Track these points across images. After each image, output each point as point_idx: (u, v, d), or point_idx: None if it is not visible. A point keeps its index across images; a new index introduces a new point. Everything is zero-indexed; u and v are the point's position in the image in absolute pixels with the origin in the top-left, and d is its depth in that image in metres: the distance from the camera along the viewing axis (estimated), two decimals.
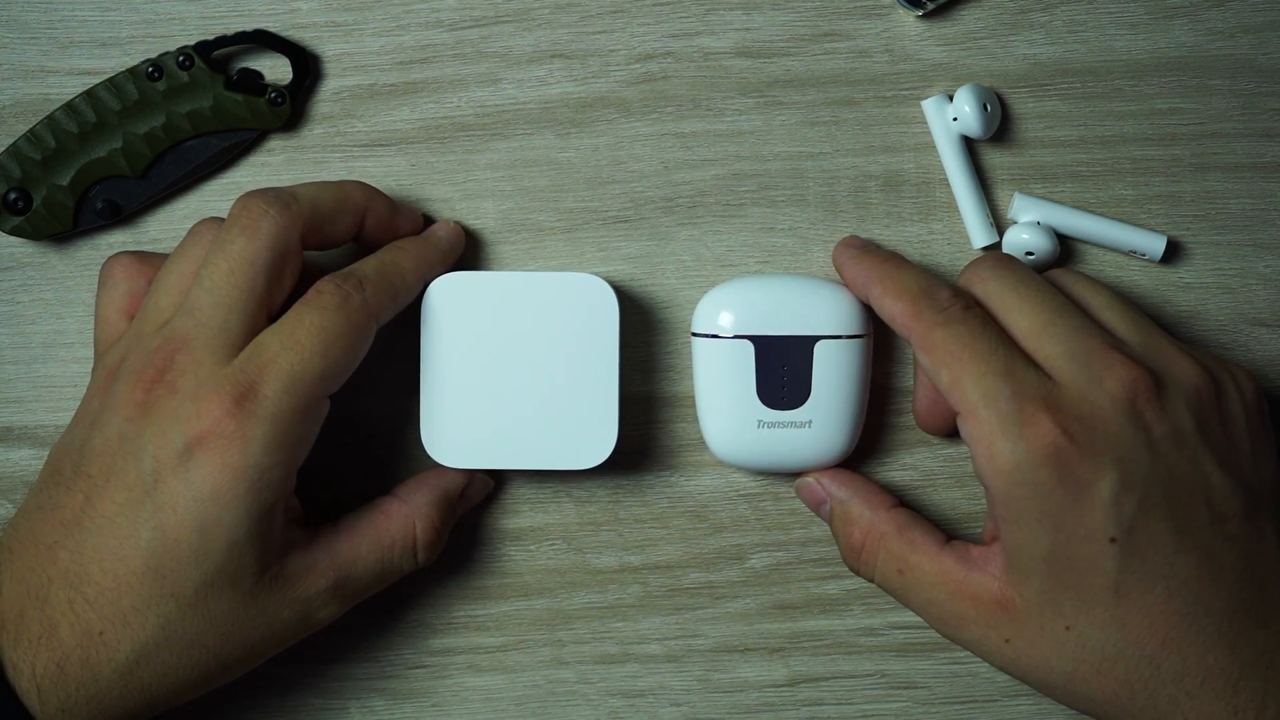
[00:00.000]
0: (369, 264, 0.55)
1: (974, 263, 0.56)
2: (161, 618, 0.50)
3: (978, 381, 0.52)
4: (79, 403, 0.55)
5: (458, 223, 0.60)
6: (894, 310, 0.55)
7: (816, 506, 0.59)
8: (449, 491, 0.58)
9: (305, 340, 0.52)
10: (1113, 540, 0.51)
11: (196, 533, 0.50)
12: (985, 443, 0.52)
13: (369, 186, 0.57)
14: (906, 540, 0.56)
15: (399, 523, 0.56)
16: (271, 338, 0.52)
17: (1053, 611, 0.52)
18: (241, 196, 0.54)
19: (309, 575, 0.53)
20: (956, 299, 0.54)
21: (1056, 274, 0.58)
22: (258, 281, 0.52)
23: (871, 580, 0.57)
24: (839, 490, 0.58)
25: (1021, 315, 0.54)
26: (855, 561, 0.57)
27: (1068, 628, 0.52)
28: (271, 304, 0.53)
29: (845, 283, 0.58)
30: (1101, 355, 0.52)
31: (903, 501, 0.58)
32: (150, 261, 0.56)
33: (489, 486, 0.60)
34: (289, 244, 0.53)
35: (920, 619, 0.56)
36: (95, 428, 0.52)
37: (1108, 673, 0.51)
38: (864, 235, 0.60)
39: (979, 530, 0.60)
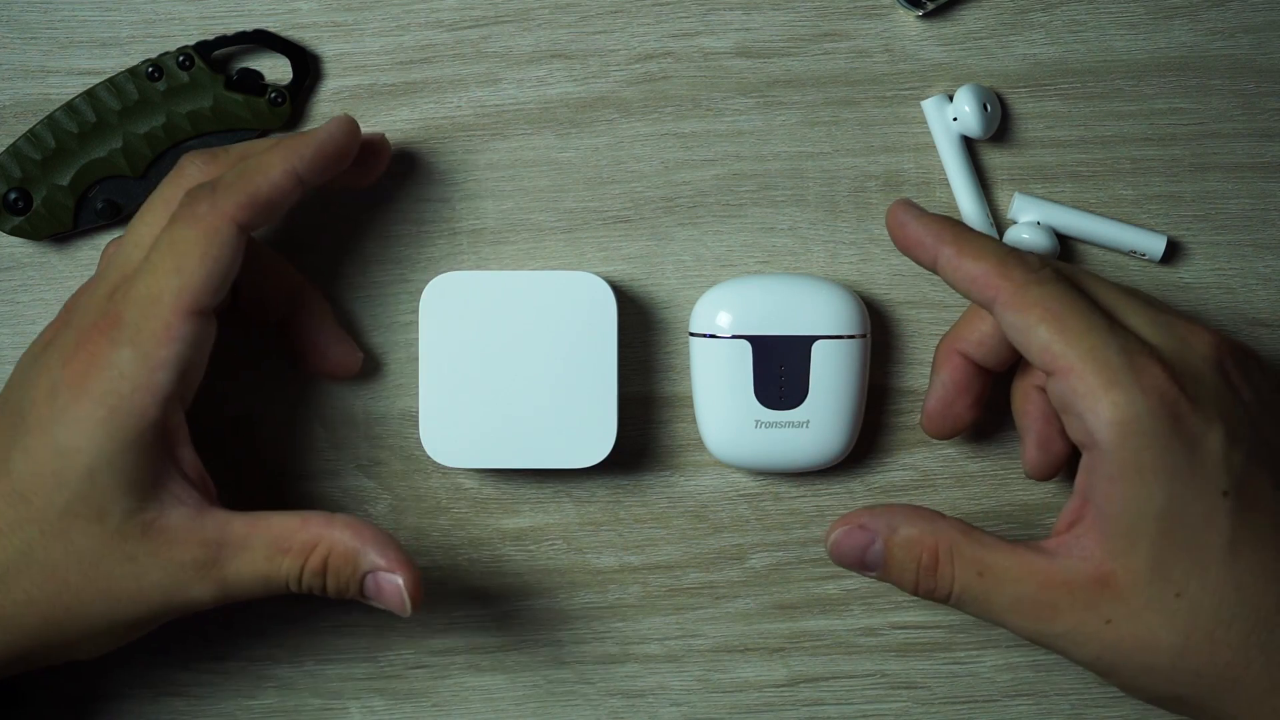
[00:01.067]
0: (223, 166, 0.55)
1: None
2: (23, 541, 0.50)
3: (1083, 336, 0.51)
4: None
5: (350, 116, 0.56)
6: (975, 270, 0.52)
7: (862, 554, 0.54)
8: (363, 554, 0.52)
9: (158, 259, 0.51)
10: (1225, 494, 0.50)
11: (55, 455, 0.50)
12: (1093, 395, 0.50)
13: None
14: (977, 541, 0.53)
15: (307, 535, 0.52)
16: (135, 260, 0.53)
17: (1162, 578, 0.50)
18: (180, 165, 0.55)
19: (186, 538, 0.51)
20: (1046, 263, 0.53)
21: None
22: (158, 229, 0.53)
23: (948, 598, 0.53)
24: (883, 520, 0.54)
25: (1098, 289, 0.53)
26: (931, 581, 0.53)
27: (1178, 594, 0.50)
28: None
29: (898, 242, 0.55)
30: (1183, 323, 0.53)
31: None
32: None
33: (403, 608, 0.52)
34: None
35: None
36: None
37: (1221, 640, 0.50)
38: (864, 235, 0.60)
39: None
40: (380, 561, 0.52)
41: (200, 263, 0.51)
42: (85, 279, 0.60)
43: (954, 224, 0.54)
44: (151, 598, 0.51)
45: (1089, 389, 0.50)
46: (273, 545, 0.52)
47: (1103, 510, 0.51)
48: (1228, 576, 0.50)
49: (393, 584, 0.52)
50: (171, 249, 0.51)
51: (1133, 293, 0.54)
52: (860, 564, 0.55)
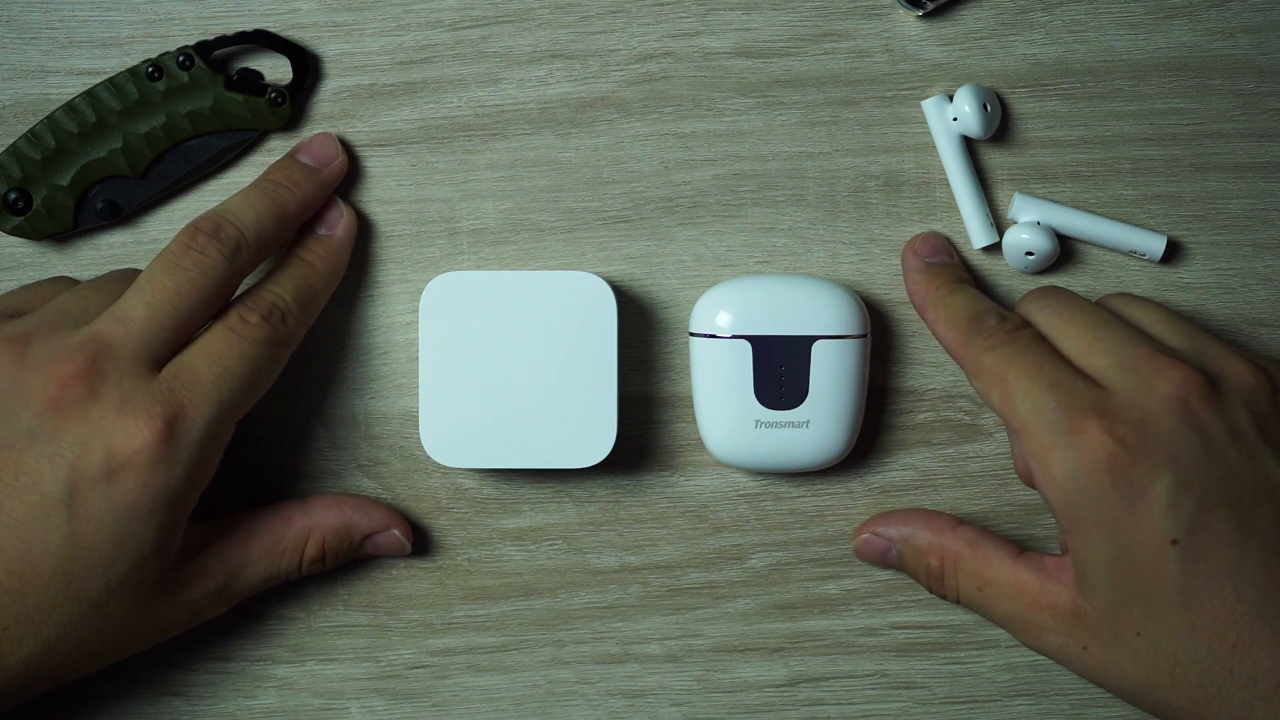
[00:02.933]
0: (287, 290, 0.56)
1: (1022, 299, 0.58)
2: (65, 617, 0.51)
3: (1025, 398, 0.52)
4: None
5: (350, 207, 0.59)
6: (946, 339, 0.56)
7: (882, 558, 0.59)
8: (354, 526, 0.58)
9: (235, 369, 0.53)
10: (1174, 542, 0.51)
11: (110, 545, 0.51)
12: (1039, 456, 0.52)
13: (296, 187, 0.58)
14: (980, 556, 0.56)
15: (295, 531, 0.57)
16: (199, 361, 0.53)
17: (1123, 619, 0.52)
18: (196, 230, 0.55)
19: (200, 579, 0.55)
20: (1003, 323, 0.55)
21: (1107, 298, 0.58)
22: (197, 312, 0.54)
23: (958, 603, 0.57)
24: (898, 530, 0.58)
25: (1068, 337, 0.55)
26: (939, 588, 0.57)
27: (1139, 634, 0.52)
28: (195, 329, 0.55)
29: (908, 294, 0.59)
30: (1151, 361, 0.52)
31: (963, 520, 0.58)
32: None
33: (404, 549, 0.59)
34: (232, 286, 0.55)
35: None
36: None
37: (1181, 677, 0.51)
38: (864, 235, 0.60)
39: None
40: (371, 525, 0.58)
41: (266, 382, 0.55)
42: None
43: (939, 285, 0.57)
44: (171, 631, 0.56)
45: (1032, 451, 0.52)
46: (268, 553, 0.57)
47: (1070, 553, 0.53)
48: (1183, 620, 0.51)
49: (389, 538, 0.59)
50: (249, 364, 0.54)
51: (1111, 326, 0.55)
52: (884, 565, 0.60)
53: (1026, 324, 0.55)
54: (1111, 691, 0.54)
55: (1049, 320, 0.56)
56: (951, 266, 0.59)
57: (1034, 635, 0.54)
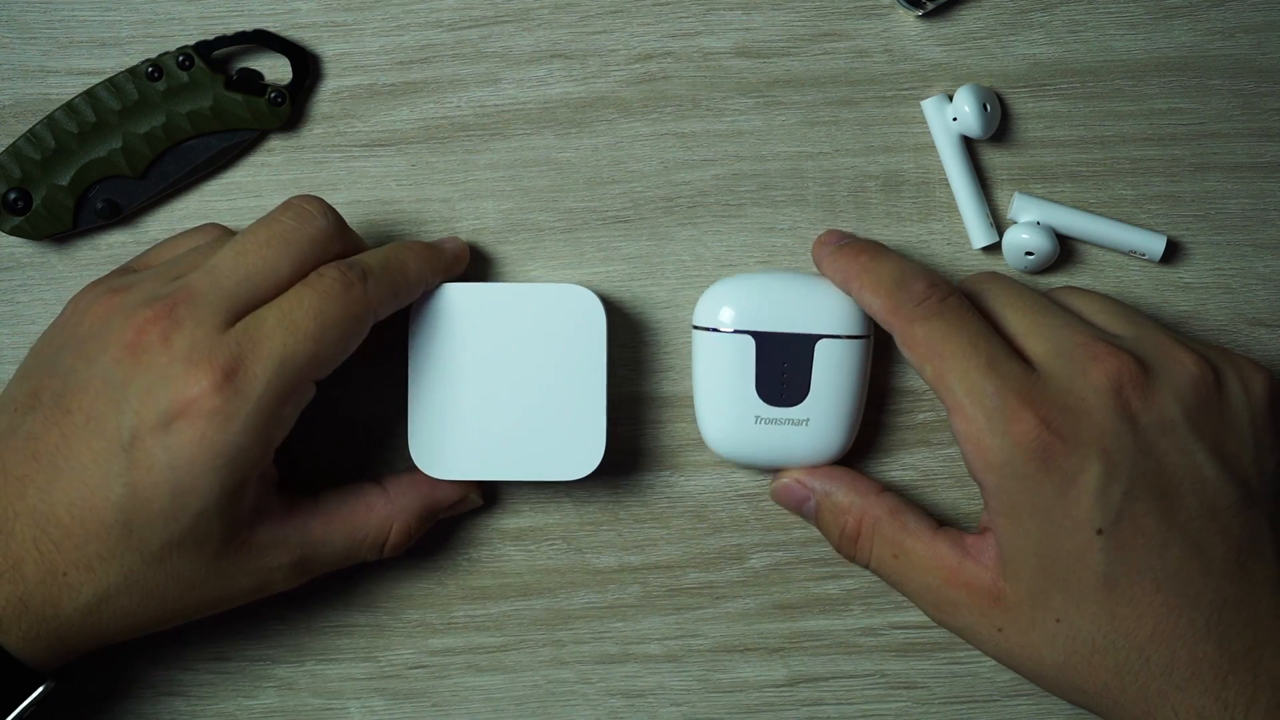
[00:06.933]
0: (375, 256, 0.55)
1: (964, 279, 0.58)
2: (125, 568, 0.51)
3: (962, 378, 0.52)
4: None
5: (464, 242, 0.59)
6: (873, 305, 0.55)
7: (798, 505, 0.58)
8: (436, 504, 0.58)
9: (302, 322, 0.51)
10: (1099, 531, 0.51)
11: (168, 497, 0.50)
12: (974, 439, 0.52)
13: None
14: (900, 524, 0.56)
15: (378, 519, 0.56)
16: (269, 314, 0.52)
17: (1043, 604, 0.52)
18: (299, 196, 0.55)
19: (275, 549, 0.54)
20: (933, 289, 0.54)
21: (1054, 290, 0.58)
22: (283, 265, 0.53)
23: (866, 566, 0.57)
24: (821, 483, 0.58)
25: (1007, 320, 0.55)
26: (850, 549, 0.57)
27: (1058, 620, 0.52)
28: (284, 287, 0.53)
29: (830, 280, 0.58)
30: (1087, 348, 0.53)
31: (887, 487, 0.58)
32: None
33: (477, 505, 0.59)
34: (327, 249, 0.54)
35: (916, 610, 0.56)
36: (82, 356, 0.52)
37: (1098, 664, 0.52)
38: (864, 235, 0.60)
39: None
40: (452, 497, 0.58)
41: (338, 340, 0.52)
42: (85, 279, 0.60)
43: (859, 253, 0.56)
44: (242, 598, 0.55)
45: (969, 432, 0.53)
46: (349, 536, 0.56)
47: (995, 536, 0.53)
48: (1103, 608, 0.52)
49: (465, 504, 0.59)
50: (317, 318, 0.52)
51: (1051, 311, 0.55)
52: (799, 513, 0.59)
53: (954, 290, 0.55)
54: (1024, 675, 0.54)
55: (990, 301, 0.56)
56: (864, 239, 0.58)
57: (946, 611, 0.54)
